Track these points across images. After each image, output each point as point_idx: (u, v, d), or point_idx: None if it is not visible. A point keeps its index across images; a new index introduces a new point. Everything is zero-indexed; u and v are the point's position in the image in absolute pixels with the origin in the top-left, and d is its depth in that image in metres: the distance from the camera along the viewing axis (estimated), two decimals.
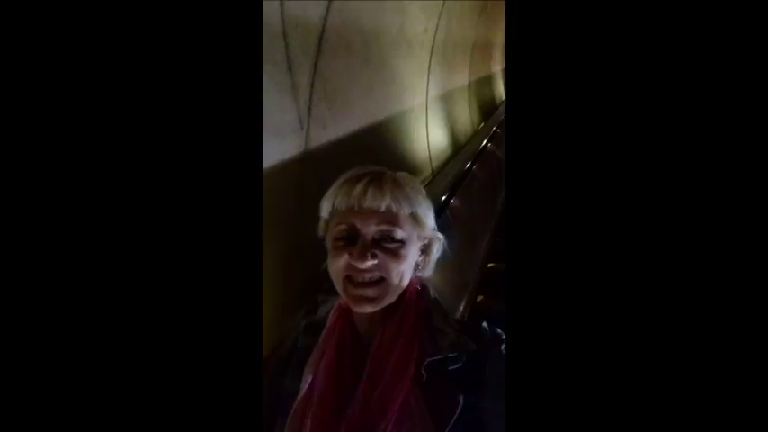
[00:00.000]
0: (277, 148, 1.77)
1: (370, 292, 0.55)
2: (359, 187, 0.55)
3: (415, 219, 0.57)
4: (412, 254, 0.57)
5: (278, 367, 0.61)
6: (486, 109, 6.25)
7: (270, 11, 1.64)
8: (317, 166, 1.98)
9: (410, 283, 0.60)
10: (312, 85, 1.99)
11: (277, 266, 1.69)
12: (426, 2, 3.39)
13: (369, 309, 0.55)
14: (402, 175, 0.59)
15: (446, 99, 4.30)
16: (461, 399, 0.52)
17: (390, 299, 0.56)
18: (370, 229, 0.54)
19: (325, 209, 0.59)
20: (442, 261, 0.65)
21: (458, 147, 4.33)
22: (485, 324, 0.59)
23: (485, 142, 4.22)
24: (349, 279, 0.56)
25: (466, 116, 5.07)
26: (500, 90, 7.62)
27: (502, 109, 6.35)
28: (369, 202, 0.54)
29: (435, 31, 3.80)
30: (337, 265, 0.56)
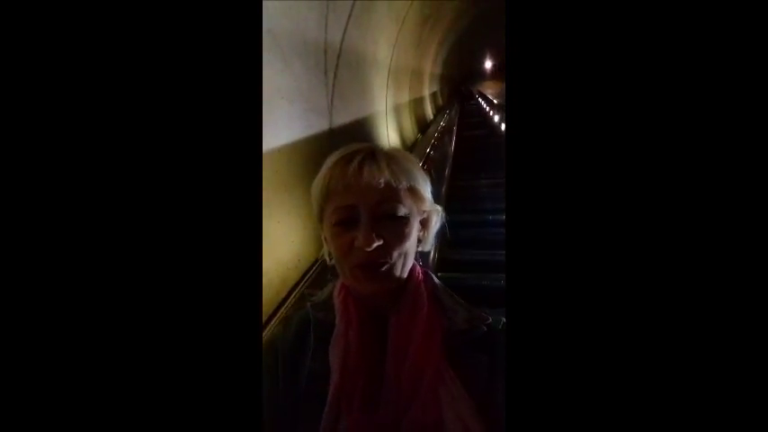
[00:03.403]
0: (317, 123, 2.67)
1: (379, 271, 0.51)
2: (354, 164, 0.51)
3: (414, 192, 0.53)
4: (415, 229, 0.53)
5: (290, 349, 0.55)
6: (421, 124, 7.61)
7: (317, 33, 2.57)
8: (336, 140, 2.89)
9: (414, 265, 0.58)
10: (333, 86, 2.94)
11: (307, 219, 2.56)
12: (388, 34, 4.54)
13: (380, 289, 0.53)
14: (395, 148, 0.57)
15: (397, 110, 5.48)
16: (487, 362, 0.51)
17: (401, 277, 0.53)
18: (371, 208, 0.50)
19: (318, 192, 0.54)
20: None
21: (407, 148, 5.49)
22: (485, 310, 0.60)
23: (428, 150, 5.38)
24: (356, 263, 0.52)
25: (410, 126, 6.32)
26: (428, 110, 9.15)
27: (434, 127, 7.71)
28: (367, 179, 0.50)
29: (391, 58, 4.97)
30: (341, 250, 0.52)
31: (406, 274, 0.54)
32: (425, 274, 0.58)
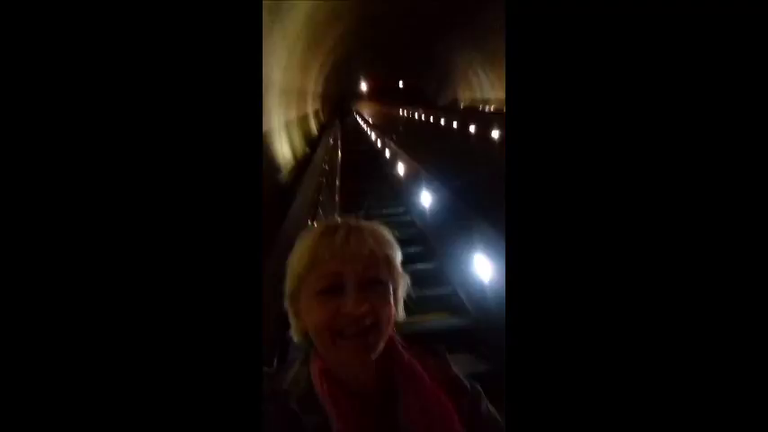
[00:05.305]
0: None
1: (368, 338, 0.52)
2: (340, 235, 0.54)
3: (389, 261, 0.56)
4: (391, 296, 0.56)
5: None
6: (308, 139, 8.18)
7: None
8: None
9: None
10: None
11: None
12: (279, 58, 5.05)
13: (369, 357, 0.53)
14: (371, 223, 0.59)
15: (288, 126, 5.98)
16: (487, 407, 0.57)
17: (382, 344, 0.54)
18: (358, 275, 0.53)
19: (299, 263, 0.55)
20: None
21: (298, 161, 5.99)
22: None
23: (324, 165, 5.89)
24: (340, 332, 0.51)
25: (298, 141, 6.85)
26: (313, 126, 9.80)
27: (323, 143, 8.32)
28: (354, 248, 0.53)
29: (281, 80, 5.48)
30: (323, 319, 0.52)
31: (385, 341, 0.55)
32: (395, 338, 0.59)
